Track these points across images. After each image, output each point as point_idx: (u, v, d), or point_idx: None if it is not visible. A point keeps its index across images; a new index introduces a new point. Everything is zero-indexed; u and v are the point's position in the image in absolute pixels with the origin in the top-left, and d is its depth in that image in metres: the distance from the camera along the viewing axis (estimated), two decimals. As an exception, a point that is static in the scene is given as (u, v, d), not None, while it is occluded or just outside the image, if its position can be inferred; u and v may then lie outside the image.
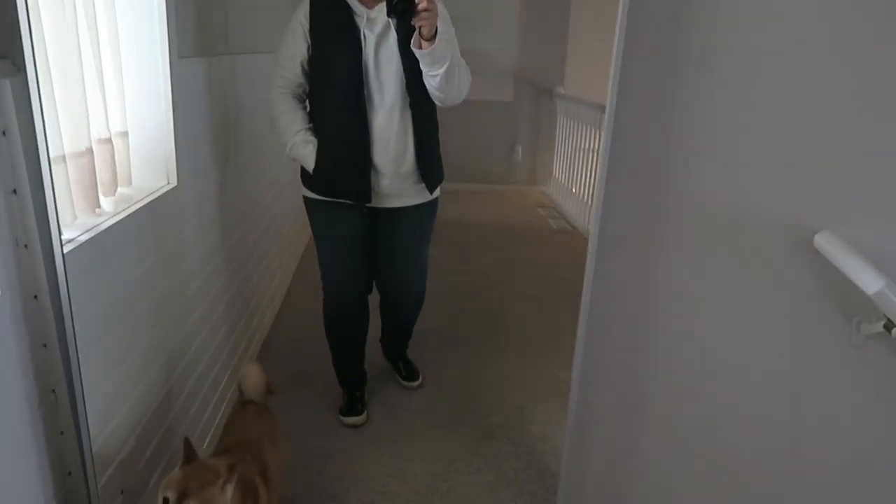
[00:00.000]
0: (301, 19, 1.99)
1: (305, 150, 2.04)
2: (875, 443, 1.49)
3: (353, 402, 2.43)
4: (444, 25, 1.85)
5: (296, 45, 2.00)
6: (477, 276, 3.95)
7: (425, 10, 1.76)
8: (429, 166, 2.12)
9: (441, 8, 1.86)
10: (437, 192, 2.25)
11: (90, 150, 1.39)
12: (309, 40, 1.99)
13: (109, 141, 1.49)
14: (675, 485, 1.61)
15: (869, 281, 1.16)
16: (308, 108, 2.10)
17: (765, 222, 1.31)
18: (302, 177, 2.17)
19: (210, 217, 2.09)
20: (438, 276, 3.76)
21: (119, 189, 1.57)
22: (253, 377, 1.76)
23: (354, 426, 2.38)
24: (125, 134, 1.61)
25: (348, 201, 2.11)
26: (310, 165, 2.05)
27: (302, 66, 2.02)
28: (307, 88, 2.07)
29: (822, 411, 1.47)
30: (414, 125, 2.04)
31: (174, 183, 1.72)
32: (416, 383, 2.63)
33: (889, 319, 1.23)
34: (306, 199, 2.19)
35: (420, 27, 1.80)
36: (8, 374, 1.06)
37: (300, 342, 2.98)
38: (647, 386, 1.52)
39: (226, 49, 2.25)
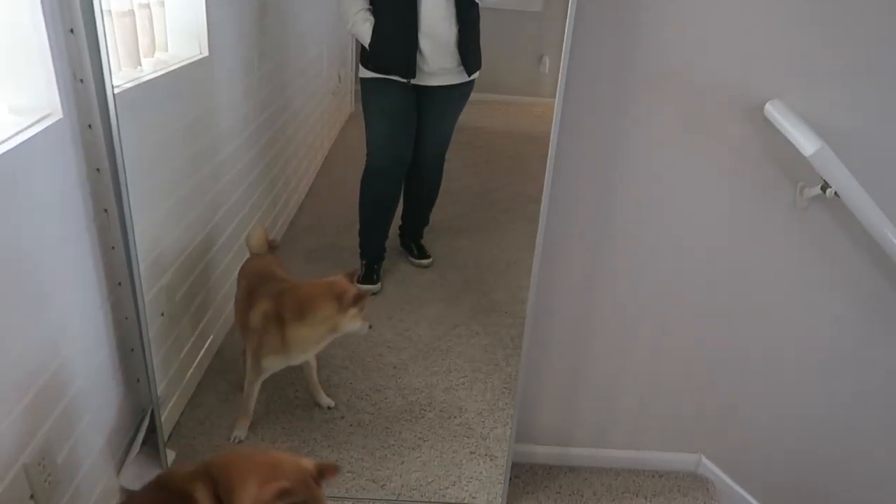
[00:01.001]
0: None
1: (363, 27, 2.33)
2: (818, 298, 1.68)
3: (371, 272, 2.67)
4: None
5: None
6: (492, 178, 4.11)
7: None
8: (468, 50, 2.41)
9: None
10: (473, 76, 2.52)
11: (132, 12, 1.56)
12: None
13: (148, 7, 1.66)
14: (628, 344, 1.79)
15: (807, 144, 1.32)
16: None
17: (721, 90, 1.45)
18: (361, 57, 2.46)
19: (242, 90, 2.27)
20: (455, 176, 3.92)
21: (156, 53, 1.75)
22: (256, 233, 1.98)
23: (370, 293, 2.62)
24: (162, 2, 1.78)
25: (397, 76, 2.37)
26: (366, 40, 2.34)
27: None
28: None
29: (770, 270, 1.65)
30: (457, 12, 2.31)
31: (206, 53, 1.90)
32: (426, 261, 2.86)
33: (825, 181, 1.39)
34: (362, 79, 2.49)
35: None
36: (67, 192, 1.28)
37: (323, 224, 3.20)
38: (606, 256, 1.69)
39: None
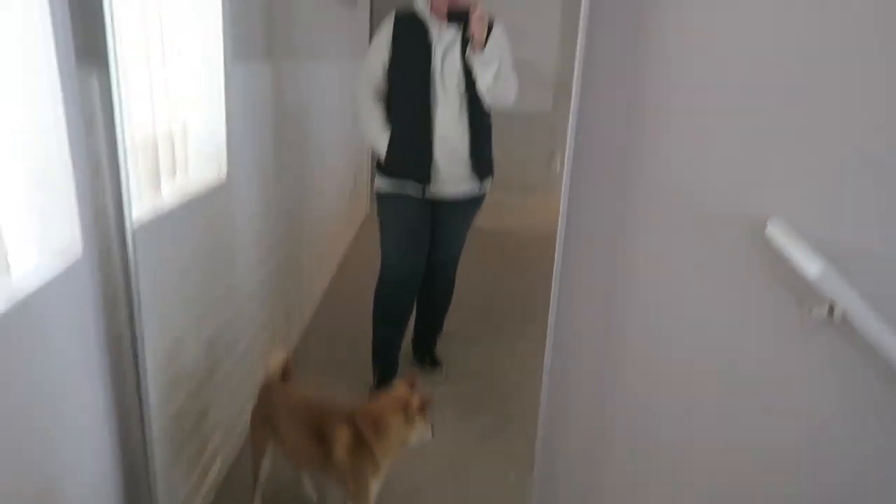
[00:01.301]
0: (386, 32, 2.40)
1: (381, 138, 2.42)
2: (829, 417, 1.60)
3: (383, 387, 2.61)
4: (497, 41, 2.29)
5: (380, 52, 2.40)
6: (507, 282, 4.10)
7: (478, 19, 2.21)
8: (480, 158, 2.47)
9: (500, 32, 2.32)
10: (486, 187, 2.59)
11: (155, 143, 1.60)
12: (391, 47, 2.38)
13: (171, 134, 1.71)
14: (648, 480, 1.73)
15: (811, 265, 1.29)
16: (385, 104, 2.48)
17: (722, 212, 1.44)
18: (377, 168, 2.52)
19: (257, 208, 2.30)
20: (469, 281, 3.92)
21: (177, 175, 1.78)
22: (278, 359, 1.93)
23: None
24: (185, 128, 1.82)
25: (412, 188, 2.44)
26: (382, 148, 2.42)
27: (384, 68, 2.41)
28: (386, 88, 2.44)
29: (780, 392, 1.58)
30: (469, 122, 2.40)
31: (224, 175, 1.93)
32: (440, 374, 2.80)
33: (831, 303, 1.35)
34: (378, 192, 2.55)
35: (473, 33, 2.21)
36: (83, 325, 1.26)
37: (337, 332, 3.18)
38: (616, 375, 1.65)
39: (279, 55, 2.47)
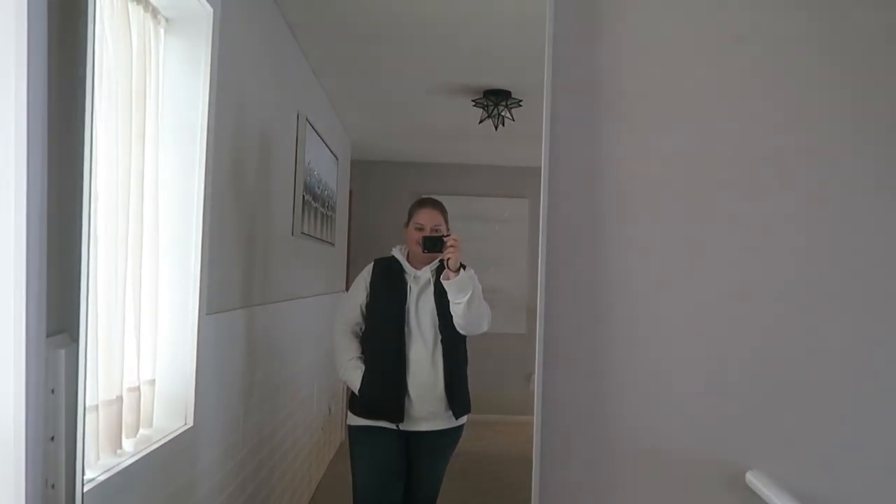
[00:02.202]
0: (365, 275, 2.57)
1: (354, 374, 2.46)
2: None
3: None
4: (469, 271, 2.40)
5: (358, 294, 2.55)
6: (489, 510, 3.90)
7: (451, 246, 2.33)
8: (456, 394, 2.50)
9: (471, 270, 2.42)
10: (462, 420, 2.59)
11: (120, 398, 1.63)
12: (369, 290, 2.53)
13: (138, 389, 1.74)
14: None
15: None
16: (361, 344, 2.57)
17: (701, 459, 1.45)
18: (349, 406, 2.55)
19: (224, 451, 2.26)
20: (449, 507, 3.75)
21: (140, 431, 1.77)
22: None
23: None
24: (153, 382, 1.86)
25: (386, 423, 2.43)
26: (356, 386, 2.45)
27: (361, 309, 2.54)
28: (363, 327, 2.56)
29: None
30: (444, 358, 2.46)
31: (191, 423, 1.93)
32: None
33: None
34: (350, 426, 2.54)
35: (447, 260, 2.33)
36: None
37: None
38: None
39: (250, 301, 2.58)
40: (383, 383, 2.47)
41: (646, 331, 1.53)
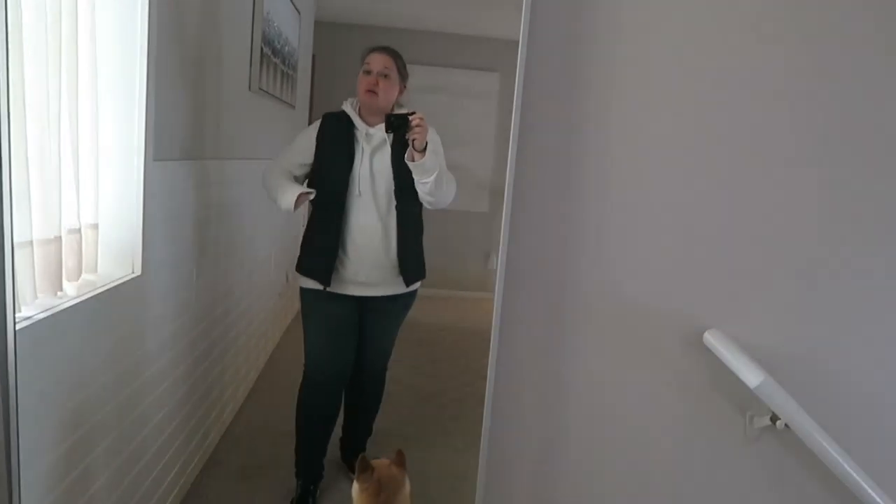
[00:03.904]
0: (314, 128, 2.38)
1: (289, 191, 2.26)
2: None
3: (307, 495, 2.46)
4: (433, 145, 2.20)
5: (302, 144, 2.38)
6: (441, 379, 4.01)
7: (418, 125, 2.11)
8: (408, 261, 2.39)
9: (433, 134, 2.21)
10: (414, 287, 2.49)
11: (59, 239, 1.53)
12: (314, 145, 2.34)
13: (79, 231, 1.63)
14: None
15: (750, 375, 1.30)
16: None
17: (662, 319, 1.45)
18: (296, 267, 2.45)
19: (175, 306, 2.20)
20: (403, 378, 3.84)
21: (84, 275, 1.69)
22: None
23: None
24: (95, 226, 1.76)
25: (315, 285, 2.35)
26: (290, 202, 2.24)
27: (300, 162, 2.37)
28: (303, 183, 2.37)
29: (726, 500, 1.55)
30: (398, 225, 2.33)
31: (138, 272, 1.85)
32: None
33: (773, 412, 1.35)
34: (302, 288, 2.44)
35: (413, 140, 2.13)
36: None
37: (260, 433, 3.01)
38: (556, 478, 1.59)
39: (203, 154, 2.44)
40: (319, 245, 2.36)
41: (613, 200, 1.48)
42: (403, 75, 2.36)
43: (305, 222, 2.56)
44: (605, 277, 1.47)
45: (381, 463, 1.70)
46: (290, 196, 2.25)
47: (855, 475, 1.35)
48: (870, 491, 1.37)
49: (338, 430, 2.69)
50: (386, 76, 2.28)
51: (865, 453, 1.41)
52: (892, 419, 1.50)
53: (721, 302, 1.45)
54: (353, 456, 2.70)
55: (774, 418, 1.37)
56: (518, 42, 1.45)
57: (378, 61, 2.29)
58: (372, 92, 2.28)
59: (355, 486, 1.66)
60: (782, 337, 1.44)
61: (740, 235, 1.44)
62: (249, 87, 3.12)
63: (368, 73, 2.29)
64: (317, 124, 2.40)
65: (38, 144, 1.43)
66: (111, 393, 1.74)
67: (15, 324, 1.19)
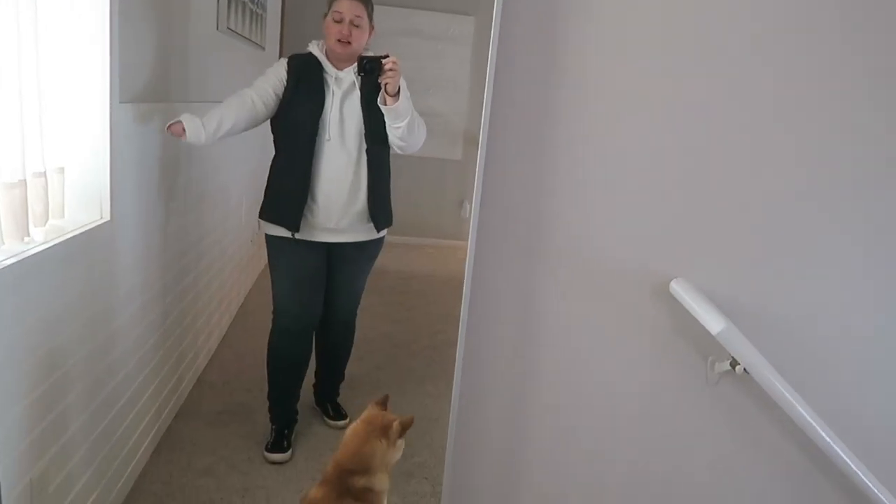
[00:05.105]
0: (280, 66, 2.29)
1: (193, 122, 2.11)
2: (737, 471, 1.65)
3: (281, 438, 2.50)
4: (403, 90, 2.17)
5: (267, 82, 2.28)
6: (414, 326, 4.06)
7: (390, 69, 2.09)
8: (378, 207, 2.37)
9: (402, 80, 2.17)
10: (383, 233, 2.48)
11: (23, 183, 1.49)
12: (284, 84, 2.26)
13: (44, 175, 1.60)
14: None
15: (713, 322, 1.34)
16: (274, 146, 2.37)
17: (630, 268, 1.49)
18: (260, 214, 2.40)
19: (145, 252, 2.18)
20: (375, 325, 3.88)
21: (51, 221, 1.66)
22: None
23: (279, 463, 2.43)
24: (62, 170, 1.72)
25: (284, 232, 2.32)
26: (192, 131, 2.10)
27: (263, 99, 2.26)
28: (254, 117, 2.27)
29: (690, 444, 1.63)
30: (368, 170, 2.31)
31: (107, 218, 1.82)
32: (342, 422, 2.70)
33: (734, 357, 1.41)
34: (267, 235, 2.40)
35: (386, 84, 2.11)
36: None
37: (234, 379, 3.04)
38: (528, 420, 1.65)
39: (170, 97, 2.38)
40: (286, 191, 2.31)
41: (587, 151, 1.49)
42: (371, 18, 2.31)
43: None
44: (577, 227, 1.50)
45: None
46: (188, 117, 2.11)
47: (809, 418, 1.42)
48: (822, 433, 1.44)
49: (311, 376, 2.73)
50: (357, 25, 2.24)
51: (819, 397, 1.47)
52: (845, 365, 1.57)
53: (687, 252, 1.48)
54: (326, 400, 2.78)
55: (734, 363, 1.42)
56: (495, -15, 1.42)
57: (349, 9, 2.22)
58: (344, 42, 2.23)
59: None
60: (743, 286, 1.49)
61: (706, 190, 1.47)
62: (217, 27, 3.02)
63: (339, 21, 2.23)
64: (282, 63, 2.32)
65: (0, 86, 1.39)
66: (83, 339, 1.73)
67: (-17, 269, 1.18)
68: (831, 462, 1.49)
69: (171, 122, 2.12)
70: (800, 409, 1.42)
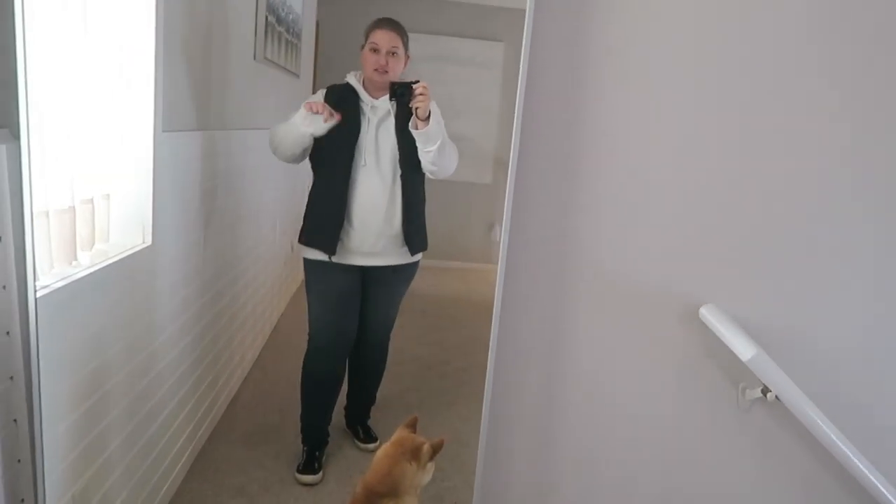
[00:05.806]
0: (319, 97, 2.35)
1: (298, 115, 2.21)
2: (759, 498, 1.63)
3: (312, 460, 2.52)
4: (435, 115, 2.24)
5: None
6: (444, 349, 4.08)
7: (420, 94, 2.16)
8: (412, 231, 2.42)
9: (433, 105, 2.23)
10: (417, 257, 2.53)
11: (73, 209, 1.56)
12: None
13: (91, 202, 1.67)
14: None
15: (743, 349, 1.34)
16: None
17: (660, 293, 1.49)
18: (299, 239, 2.48)
19: (184, 275, 2.25)
20: (406, 347, 3.90)
21: (97, 245, 1.73)
22: None
23: (310, 484, 2.46)
24: (108, 196, 1.79)
25: (321, 255, 2.38)
26: (302, 114, 2.20)
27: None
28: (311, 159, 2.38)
29: (718, 471, 1.61)
30: (403, 194, 2.36)
31: (149, 242, 1.89)
32: (372, 445, 2.72)
33: (765, 385, 1.40)
34: (306, 259, 2.47)
35: (416, 109, 2.18)
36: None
37: (266, 400, 3.08)
38: (555, 448, 1.65)
39: (209, 125, 2.46)
40: (323, 215, 2.37)
41: (617, 176, 1.50)
42: (407, 47, 2.38)
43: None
44: (606, 250, 1.51)
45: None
46: (302, 112, 2.20)
47: (842, 445, 1.40)
48: (856, 461, 1.42)
49: (343, 398, 2.76)
50: (394, 54, 2.31)
51: (852, 425, 1.45)
52: (877, 393, 1.55)
53: (717, 278, 1.48)
54: (357, 423, 2.80)
55: (765, 390, 1.42)
56: (524, 11, 1.46)
57: (385, 40, 2.30)
58: (381, 71, 2.30)
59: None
60: (775, 312, 1.48)
61: (737, 214, 1.47)
62: (255, 57, 3.12)
63: (376, 51, 2.30)
64: (321, 94, 2.39)
65: (55, 120, 1.46)
66: (124, 359, 1.79)
67: (35, 291, 1.24)
68: (867, 492, 1.46)
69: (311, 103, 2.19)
70: (832, 435, 1.40)
